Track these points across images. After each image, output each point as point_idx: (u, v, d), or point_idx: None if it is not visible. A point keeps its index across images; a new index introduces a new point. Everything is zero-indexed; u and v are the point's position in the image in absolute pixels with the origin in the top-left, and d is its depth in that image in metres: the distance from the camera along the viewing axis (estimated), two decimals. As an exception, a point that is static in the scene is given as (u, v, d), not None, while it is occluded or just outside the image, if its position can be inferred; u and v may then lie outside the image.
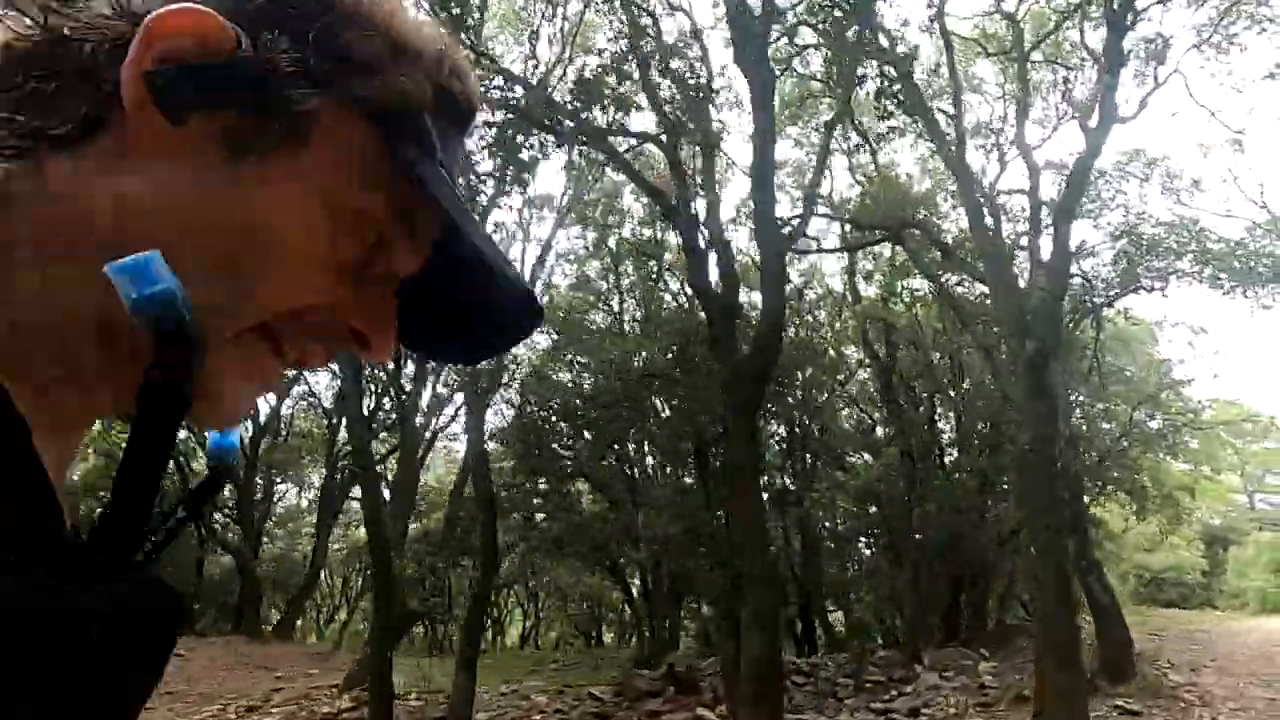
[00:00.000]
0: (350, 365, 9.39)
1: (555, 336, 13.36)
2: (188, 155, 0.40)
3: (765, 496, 18.42)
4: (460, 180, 0.49)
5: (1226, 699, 10.56)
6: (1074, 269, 15.76)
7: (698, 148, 9.63)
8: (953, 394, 17.82)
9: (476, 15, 9.53)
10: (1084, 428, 21.33)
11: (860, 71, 9.20)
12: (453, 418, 19.02)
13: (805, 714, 10.63)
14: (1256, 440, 47.08)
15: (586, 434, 12.38)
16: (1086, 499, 17.31)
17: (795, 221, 9.85)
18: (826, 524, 22.68)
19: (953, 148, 9.88)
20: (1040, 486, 8.08)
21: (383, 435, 17.95)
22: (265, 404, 21.02)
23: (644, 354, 12.64)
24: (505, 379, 12.94)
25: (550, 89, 9.47)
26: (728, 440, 8.31)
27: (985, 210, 14.48)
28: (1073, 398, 19.62)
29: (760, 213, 8.41)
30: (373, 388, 17.90)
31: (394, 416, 15.64)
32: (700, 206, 9.45)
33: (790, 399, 18.69)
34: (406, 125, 0.43)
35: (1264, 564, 34.85)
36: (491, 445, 14.37)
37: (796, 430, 18.80)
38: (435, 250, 0.47)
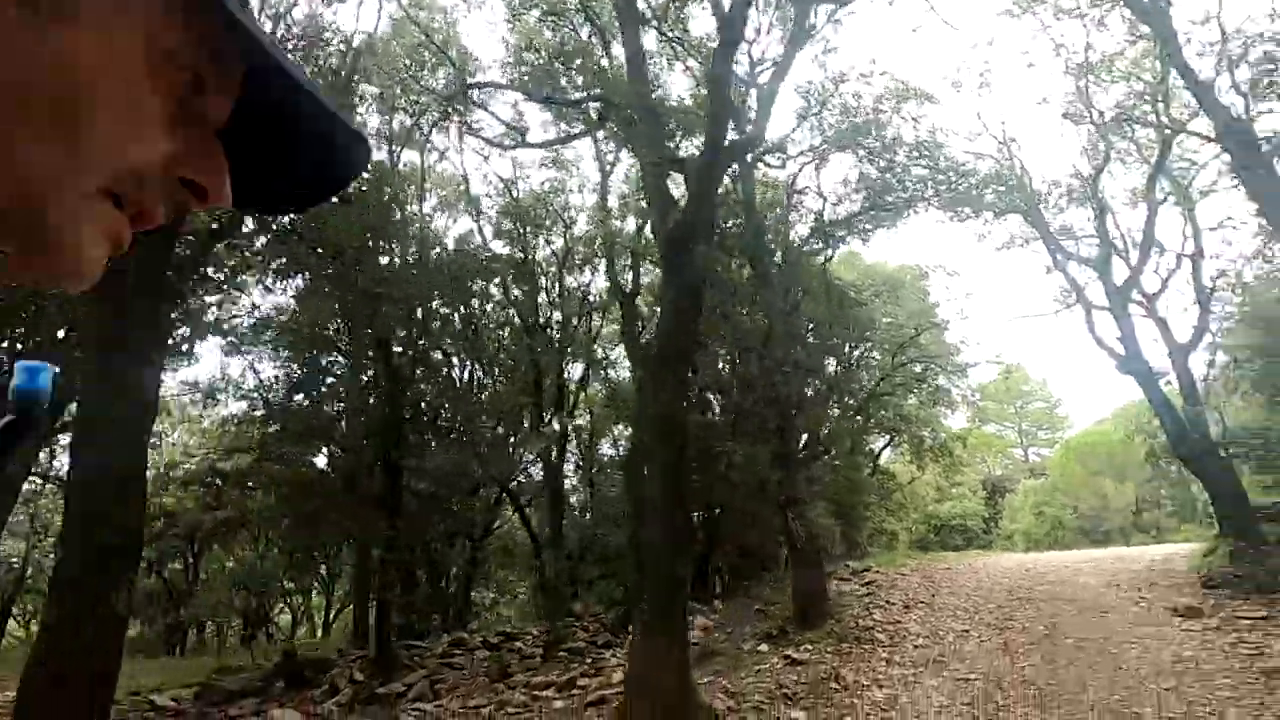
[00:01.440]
0: None
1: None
2: None
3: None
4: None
5: (919, 636, 9.70)
6: (812, 185, 14.81)
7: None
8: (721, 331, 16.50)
9: None
10: (860, 369, 21.14)
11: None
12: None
13: (444, 698, 8.44)
14: (1031, 400, 52.52)
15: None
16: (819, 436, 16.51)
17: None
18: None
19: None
20: (665, 389, 6.33)
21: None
22: None
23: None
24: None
25: None
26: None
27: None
28: (840, 342, 19.14)
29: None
30: None
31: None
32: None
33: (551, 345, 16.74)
34: None
35: (1029, 507, 38.12)
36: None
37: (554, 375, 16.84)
38: (249, 86, 0.42)
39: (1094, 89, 14.84)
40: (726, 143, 7.90)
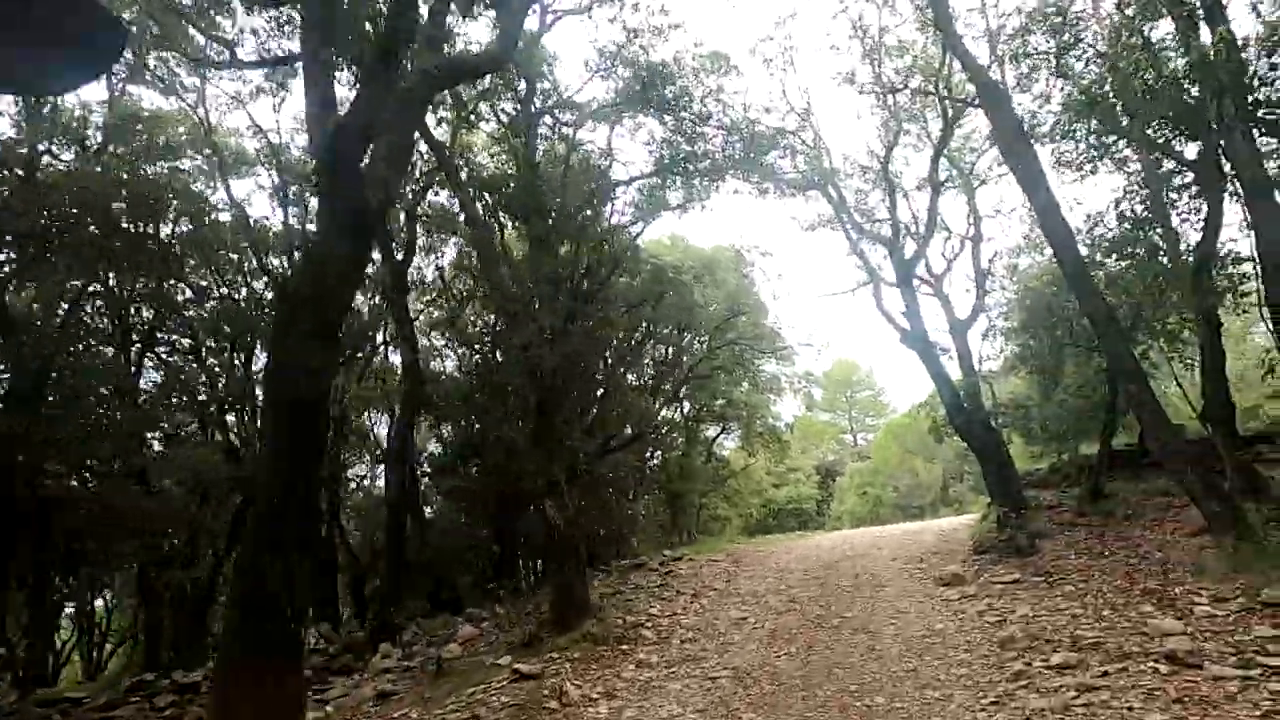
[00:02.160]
0: None
1: None
2: None
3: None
4: None
5: (690, 629, 8.83)
6: (599, 142, 13.72)
7: None
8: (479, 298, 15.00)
9: None
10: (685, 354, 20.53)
11: None
12: None
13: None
14: (860, 390, 55.95)
15: None
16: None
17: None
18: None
19: None
20: (297, 350, 4.78)
21: None
22: None
23: None
24: None
25: None
26: None
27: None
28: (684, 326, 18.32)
29: None
30: None
31: None
32: None
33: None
34: None
35: (854, 488, 40.04)
36: None
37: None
38: None
39: (886, 69, 14.99)
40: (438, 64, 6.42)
